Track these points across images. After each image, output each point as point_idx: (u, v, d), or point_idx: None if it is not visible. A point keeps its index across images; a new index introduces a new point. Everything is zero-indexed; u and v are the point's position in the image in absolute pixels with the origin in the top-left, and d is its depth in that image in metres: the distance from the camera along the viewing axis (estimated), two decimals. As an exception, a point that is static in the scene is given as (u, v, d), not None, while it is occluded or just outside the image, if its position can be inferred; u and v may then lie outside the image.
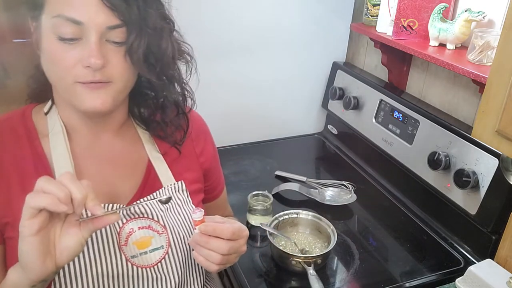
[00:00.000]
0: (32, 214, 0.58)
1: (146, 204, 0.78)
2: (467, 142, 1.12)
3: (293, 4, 1.53)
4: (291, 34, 1.58)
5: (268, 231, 1.09)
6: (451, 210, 1.17)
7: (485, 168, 1.06)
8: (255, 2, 1.48)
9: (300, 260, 1.02)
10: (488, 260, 1.04)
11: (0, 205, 0.71)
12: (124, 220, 0.77)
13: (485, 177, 1.06)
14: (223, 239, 0.73)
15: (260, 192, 1.23)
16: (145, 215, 0.78)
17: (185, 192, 0.84)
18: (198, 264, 0.85)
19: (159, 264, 0.78)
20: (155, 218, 0.78)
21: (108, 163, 0.79)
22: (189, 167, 0.88)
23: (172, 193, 0.82)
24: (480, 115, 0.85)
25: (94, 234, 0.73)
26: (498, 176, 1.03)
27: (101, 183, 0.77)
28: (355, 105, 1.53)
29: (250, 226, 1.20)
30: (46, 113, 0.77)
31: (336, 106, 1.65)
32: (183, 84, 0.81)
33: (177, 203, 0.83)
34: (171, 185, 0.82)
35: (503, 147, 0.82)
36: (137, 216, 0.78)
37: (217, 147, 0.98)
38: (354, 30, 1.60)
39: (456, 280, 1.02)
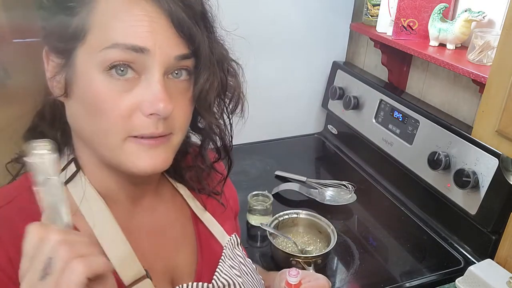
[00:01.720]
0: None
1: (226, 273, 0.66)
2: (467, 142, 1.12)
3: (293, 4, 1.53)
4: (291, 34, 1.58)
5: (268, 231, 1.09)
6: (451, 210, 1.17)
7: (485, 168, 1.06)
8: (254, 3, 1.48)
9: (300, 260, 1.02)
10: (488, 260, 1.04)
11: None
12: None
13: (485, 177, 1.06)
14: None
15: (260, 192, 1.23)
16: (226, 287, 0.65)
17: (240, 246, 0.73)
18: None
19: None
20: (237, 287, 0.66)
21: (155, 233, 0.64)
22: (226, 215, 0.75)
23: (232, 250, 0.70)
24: (480, 115, 0.85)
25: None
26: (498, 176, 1.03)
27: (155, 259, 0.62)
28: (355, 105, 1.53)
29: (250, 226, 1.20)
30: (66, 182, 0.57)
31: (336, 106, 1.65)
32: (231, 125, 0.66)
33: (241, 261, 0.71)
34: (228, 241, 0.70)
35: (503, 147, 0.82)
36: None
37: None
38: (354, 30, 1.60)
39: (456, 280, 1.02)
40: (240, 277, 0.67)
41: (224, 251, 0.68)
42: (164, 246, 0.64)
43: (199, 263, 0.66)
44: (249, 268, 0.72)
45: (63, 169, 0.57)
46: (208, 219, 0.70)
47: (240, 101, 0.63)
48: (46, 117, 0.57)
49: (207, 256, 0.67)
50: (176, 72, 0.53)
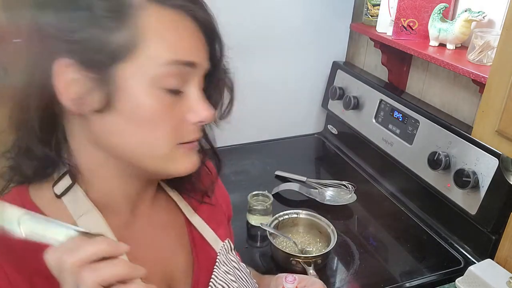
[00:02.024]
0: None
1: (222, 279, 0.66)
2: (467, 142, 1.12)
3: (293, 4, 1.53)
4: (291, 34, 1.58)
5: (268, 231, 1.09)
6: (451, 210, 1.17)
7: (485, 168, 1.06)
8: (254, 2, 1.48)
9: (300, 260, 1.02)
10: (488, 260, 1.04)
11: None
12: None
13: (485, 177, 1.06)
14: None
15: (260, 192, 1.23)
16: None
17: (233, 251, 0.73)
18: None
19: None
20: None
21: (152, 241, 0.65)
22: (219, 220, 0.75)
23: (226, 255, 0.71)
24: (480, 115, 0.85)
25: None
26: (498, 176, 1.03)
27: (152, 267, 0.62)
28: (355, 105, 1.53)
29: (250, 226, 1.20)
30: (59, 196, 0.56)
31: (336, 106, 1.65)
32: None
33: (235, 266, 0.71)
34: (221, 247, 0.70)
35: (503, 147, 0.82)
36: None
37: (217, 147, 0.97)
38: (354, 30, 1.60)
39: (456, 280, 1.02)
40: (235, 282, 0.68)
41: (218, 257, 0.69)
42: (160, 254, 0.65)
43: (196, 270, 0.66)
44: (244, 273, 0.72)
45: (57, 181, 0.56)
46: (200, 224, 0.70)
47: (231, 107, 0.66)
48: (37, 134, 0.54)
49: (203, 262, 0.67)
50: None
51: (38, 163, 0.56)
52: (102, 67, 0.49)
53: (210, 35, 0.56)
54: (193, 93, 0.55)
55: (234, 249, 0.74)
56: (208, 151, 0.68)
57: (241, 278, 0.70)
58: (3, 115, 0.57)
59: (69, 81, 0.50)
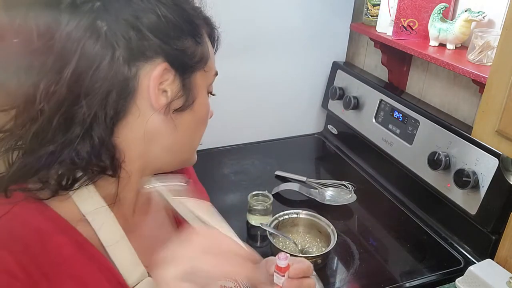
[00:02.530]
0: None
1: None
2: (467, 142, 1.12)
3: (293, 4, 1.53)
4: (291, 34, 1.58)
5: (268, 231, 1.09)
6: (451, 210, 1.17)
7: (485, 168, 1.06)
8: (254, 2, 1.48)
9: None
10: (488, 260, 1.04)
11: None
12: None
13: (485, 177, 1.06)
14: (309, 277, 0.69)
15: (260, 192, 1.23)
16: None
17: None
18: None
19: None
20: None
21: (149, 234, 0.67)
22: (195, 187, 0.79)
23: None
24: (480, 115, 0.85)
25: None
26: (498, 176, 1.03)
27: (150, 258, 0.60)
28: (355, 105, 1.53)
29: (250, 226, 1.20)
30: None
31: (336, 106, 1.65)
32: None
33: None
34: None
35: (503, 147, 0.82)
36: None
37: (217, 147, 0.97)
38: (354, 30, 1.60)
39: (456, 280, 1.02)
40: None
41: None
42: (159, 243, 0.63)
43: None
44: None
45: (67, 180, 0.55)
46: (185, 212, 0.71)
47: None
48: (55, 126, 0.52)
49: None
50: None
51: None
52: (190, 73, 0.59)
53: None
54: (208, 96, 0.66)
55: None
56: None
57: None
58: (4, 115, 0.56)
59: (158, 81, 0.55)
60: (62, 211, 0.55)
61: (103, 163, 0.55)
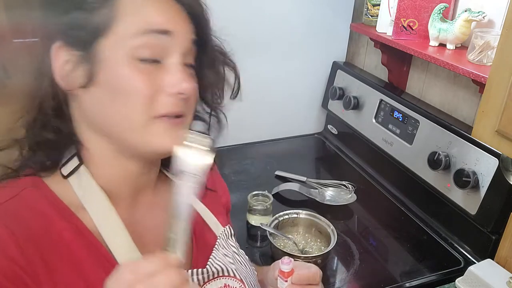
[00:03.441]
0: None
1: (220, 260, 0.68)
2: (467, 142, 1.12)
3: (293, 4, 1.53)
4: (291, 34, 1.58)
5: (268, 231, 1.09)
6: (451, 210, 1.17)
7: (485, 168, 1.06)
8: (254, 3, 1.48)
9: (300, 260, 1.02)
10: (488, 260, 1.04)
11: None
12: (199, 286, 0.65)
13: (485, 177, 1.06)
14: (315, 284, 0.69)
15: (260, 192, 1.23)
16: (220, 273, 0.67)
17: (233, 237, 0.75)
18: None
19: None
20: (231, 274, 0.68)
21: (154, 227, 0.66)
22: (218, 210, 0.77)
23: (226, 240, 0.73)
24: (480, 115, 0.85)
25: None
26: (498, 176, 1.03)
27: (155, 249, 0.63)
28: (355, 105, 1.53)
29: (250, 226, 1.20)
30: (66, 176, 0.59)
31: (336, 106, 1.65)
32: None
33: (234, 251, 0.73)
34: (222, 232, 0.72)
35: (503, 147, 0.82)
36: (211, 277, 0.66)
37: (217, 147, 0.97)
38: (354, 30, 1.60)
39: (456, 280, 1.02)
40: (233, 264, 0.70)
41: (218, 240, 0.71)
42: (161, 238, 0.65)
43: (195, 254, 0.68)
44: (242, 258, 0.74)
45: (65, 163, 0.59)
46: (203, 210, 0.72)
47: (238, 86, 0.69)
48: (48, 113, 0.58)
49: (202, 246, 0.69)
50: (188, 62, 0.58)
51: (53, 141, 0.58)
52: (86, 44, 0.53)
53: (193, 13, 0.57)
54: (172, 63, 0.55)
55: (234, 235, 0.75)
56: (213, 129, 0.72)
57: (240, 262, 0.72)
58: (4, 115, 0.59)
59: (62, 62, 0.54)
60: (63, 196, 0.58)
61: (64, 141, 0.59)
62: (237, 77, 0.67)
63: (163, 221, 0.66)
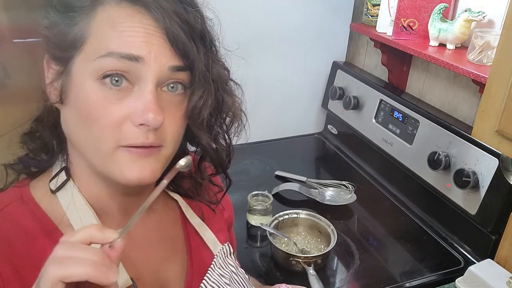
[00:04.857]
0: None
1: (215, 281, 0.66)
2: (467, 142, 1.12)
3: (293, 4, 1.53)
4: (291, 34, 1.58)
5: (268, 231, 1.09)
6: (451, 210, 1.17)
7: (485, 168, 1.06)
8: (254, 2, 1.48)
9: (300, 260, 1.02)
10: (488, 260, 1.04)
11: None
12: None
13: (485, 177, 1.06)
14: None
15: (260, 192, 1.23)
16: None
17: (232, 255, 0.72)
18: None
19: None
20: None
21: (146, 244, 0.63)
22: (219, 226, 0.74)
23: (224, 259, 0.70)
24: (480, 115, 0.85)
25: None
26: (498, 176, 1.03)
27: (144, 270, 0.62)
28: (355, 105, 1.53)
29: (250, 226, 1.20)
30: (54, 191, 0.57)
31: (336, 106, 1.65)
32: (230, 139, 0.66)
33: (233, 271, 0.70)
34: (219, 250, 0.69)
35: (503, 147, 0.82)
36: None
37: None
38: (354, 30, 1.60)
39: (456, 280, 1.02)
40: (229, 285, 0.67)
41: (214, 260, 0.68)
42: (154, 257, 0.64)
43: (189, 273, 0.66)
44: (241, 278, 0.71)
45: (53, 177, 0.57)
46: (202, 227, 0.69)
47: (236, 120, 0.63)
48: (44, 121, 0.57)
49: (197, 265, 0.67)
50: (171, 85, 0.53)
51: (44, 148, 0.58)
52: (63, 59, 0.52)
53: (172, 35, 0.51)
54: (143, 91, 0.50)
55: (233, 254, 0.73)
56: (219, 169, 0.67)
57: (238, 283, 0.70)
58: (3, 115, 0.59)
59: (48, 74, 0.54)
60: (50, 211, 0.56)
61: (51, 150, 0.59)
62: (234, 110, 0.62)
63: (154, 240, 0.65)
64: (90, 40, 0.50)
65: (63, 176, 0.57)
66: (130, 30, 0.49)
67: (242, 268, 0.74)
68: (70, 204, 0.56)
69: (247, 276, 0.73)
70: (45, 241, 0.53)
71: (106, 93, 0.50)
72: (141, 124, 0.50)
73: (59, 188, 0.57)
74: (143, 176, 0.52)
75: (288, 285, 0.68)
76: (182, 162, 0.48)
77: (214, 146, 0.61)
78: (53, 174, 0.58)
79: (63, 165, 0.58)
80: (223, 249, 0.70)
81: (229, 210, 0.80)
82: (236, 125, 0.64)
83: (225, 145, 0.65)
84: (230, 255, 0.72)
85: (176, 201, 0.69)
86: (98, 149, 0.52)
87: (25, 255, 0.52)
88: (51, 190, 0.57)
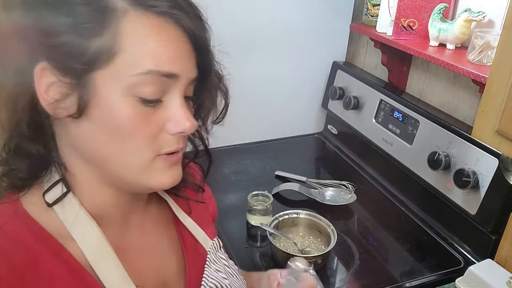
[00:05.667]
0: None
1: (213, 277, 0.67)
2: (467, 142, 1.12)
3: (293, 4, 1.53)
4: (291, 33, 1.58)
5: (268, 231, 1.09)
6: (451, 210, 1.17)
7: (485, 168, 1.06)
8: (254, 2, 1.48)
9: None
10: (488, 260, 1.04)
11: None
12: None
13: (485, 177, 1.06)
14: None
15: (260, 192, 1.23)
16: None
17: (222, 248, 0.73)
18: None
19: None
20: None
21: (145, 250, 0.64)
22: (206, 221, 0.75)
23: (216, 254, 0.71)
24: (480, 115, 0.85)
25: None
26: (498, 176, 1.03)
27: (146, 275, 0.61)
28: (355, 105, 1.53)
29: (250, 226, 1.20)
30: (51, 204, 0.54)
31: (336, 106, 1.65)
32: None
33: (225, 264, 0.71)
34: (211, 246, 0.70)
35: (503, 147, 0.82)
36: None
37: (217, 147, 0.97)
38: (354, 30, 1.60)
39: (456, 280, 1.02)
40: (226, 279, 0.68)
41: (208, 256, 0.69)
42: (154, 261, 0.64)
43: (188, 272, 0.66)
44: (233, 270, 0.73)
45: (48, 189, 0.55)
46: (192, 225, 0.70)
47: (225, 113, 0.66)
48: (25, 133, 0.53)
49: (194, 262, 0.67)
50: (187, 97, 0.56)
51: (29, 162, 0.54)
52: (79, 73, 0.48)
53: (198, 43, 0.53)
54: (175, 102, 0.52)
55: (222, 247, 0.74)
56: (200, 151, 0.68)
57: (231, 275, 0.71)
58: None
59: (46, 85, 0.49)
60: (48, 226, 0.54)
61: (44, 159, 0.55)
62: (226, 104, 0.64)
63: (153, 243, 0.65)
64: (121, 54, 0.48)
65: (59, 188, 0.55)
66: (163, 45, 0.49)
67: (231, 260, 0.75)
68: (71, 217, 0.54)
69: (236, 267, 0.75)
70: (51, 259, 0.52)
71: (140, 108, 0.50)
72: (179, 133, 0.53)
73: (57, 201, 0.54)
74: (175, 179, 0.56)
75: (282, 270, 0.70)
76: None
77: (201, 134, 0.65)
78: (46, 186, 0.55)
79: (57, 178, 0.56)
80: (213, 244, 0.71)
81: (212, 205, 0.82)
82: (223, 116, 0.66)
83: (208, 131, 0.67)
84: (220, 249, 0.73)
85: (165, 201, 0.70)
86: (132, 161, 0.53)
87: (31, 274, 0.50)
88: (47, 203, 0.54)
